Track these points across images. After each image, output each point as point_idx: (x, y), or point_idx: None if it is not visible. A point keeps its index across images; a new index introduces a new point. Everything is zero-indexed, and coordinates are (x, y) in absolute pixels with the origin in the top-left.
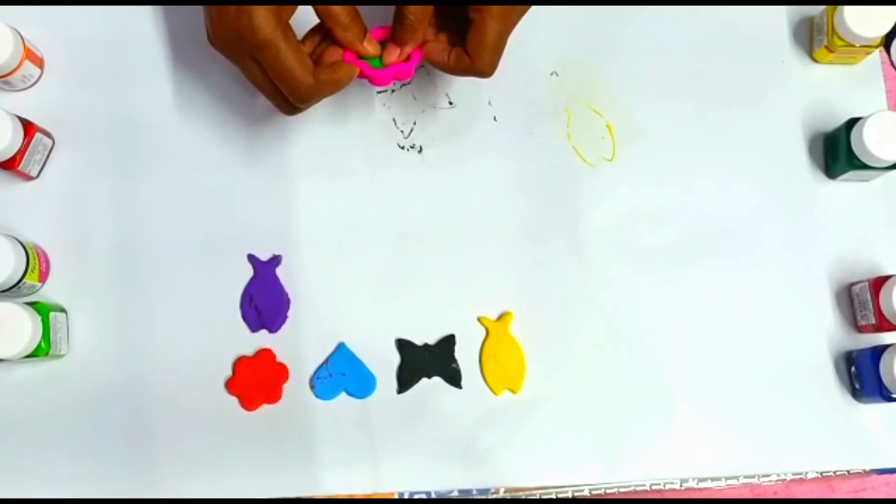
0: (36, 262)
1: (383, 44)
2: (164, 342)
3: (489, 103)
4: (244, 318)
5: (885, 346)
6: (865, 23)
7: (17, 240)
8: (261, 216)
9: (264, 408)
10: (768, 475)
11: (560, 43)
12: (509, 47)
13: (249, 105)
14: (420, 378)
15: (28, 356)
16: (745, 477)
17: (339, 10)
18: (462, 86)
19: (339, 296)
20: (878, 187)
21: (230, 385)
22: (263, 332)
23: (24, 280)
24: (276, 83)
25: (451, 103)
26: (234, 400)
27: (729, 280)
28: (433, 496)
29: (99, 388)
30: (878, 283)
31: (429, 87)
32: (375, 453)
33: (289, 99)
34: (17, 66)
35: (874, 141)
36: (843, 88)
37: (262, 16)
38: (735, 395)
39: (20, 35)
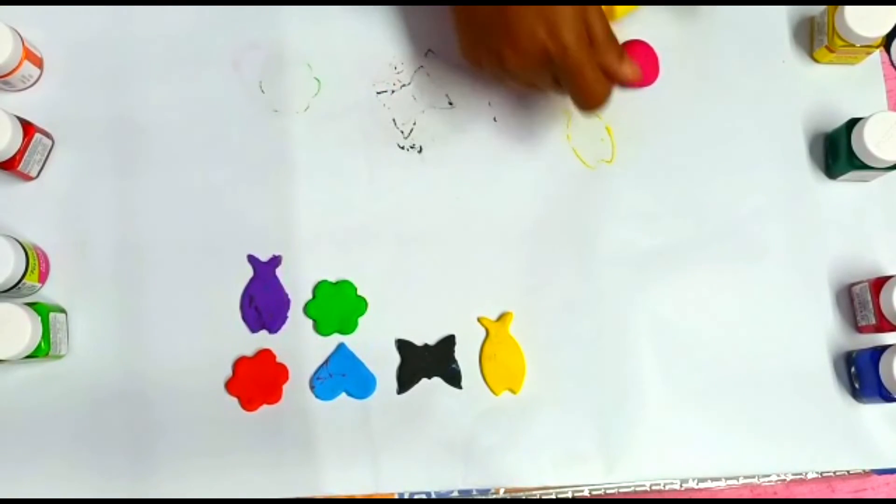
0: (36, 262)
1: None
2: (164, 342)
3: (489, 104)
4: (244, 318)
5: (885, 347)
6: (866, 23)
7: (16, 240)
8: (261, 216)
9: (264, 408)
10: (768, 475)
11: None
12: None
13: (249, 105)
14: (420, 378)
15: (28, 356)
16: (745, 477)
17: (599, 35)
18: (462, 86)
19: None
20: (878, 187)
21: (230, 385)
22: (263, 332)
23: (24, 280)
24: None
25: (451, 104)
26: (234, 400)
27: (728, 280)
28: (433, 496)
29: (99, 389)
30: (879, 283)
31: (429, 87)
32: (375, 454)
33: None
34: (17, 67)
35: (874, 141)
36: (843, 88)
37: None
38: (735, 396)
39: (20, 35)
